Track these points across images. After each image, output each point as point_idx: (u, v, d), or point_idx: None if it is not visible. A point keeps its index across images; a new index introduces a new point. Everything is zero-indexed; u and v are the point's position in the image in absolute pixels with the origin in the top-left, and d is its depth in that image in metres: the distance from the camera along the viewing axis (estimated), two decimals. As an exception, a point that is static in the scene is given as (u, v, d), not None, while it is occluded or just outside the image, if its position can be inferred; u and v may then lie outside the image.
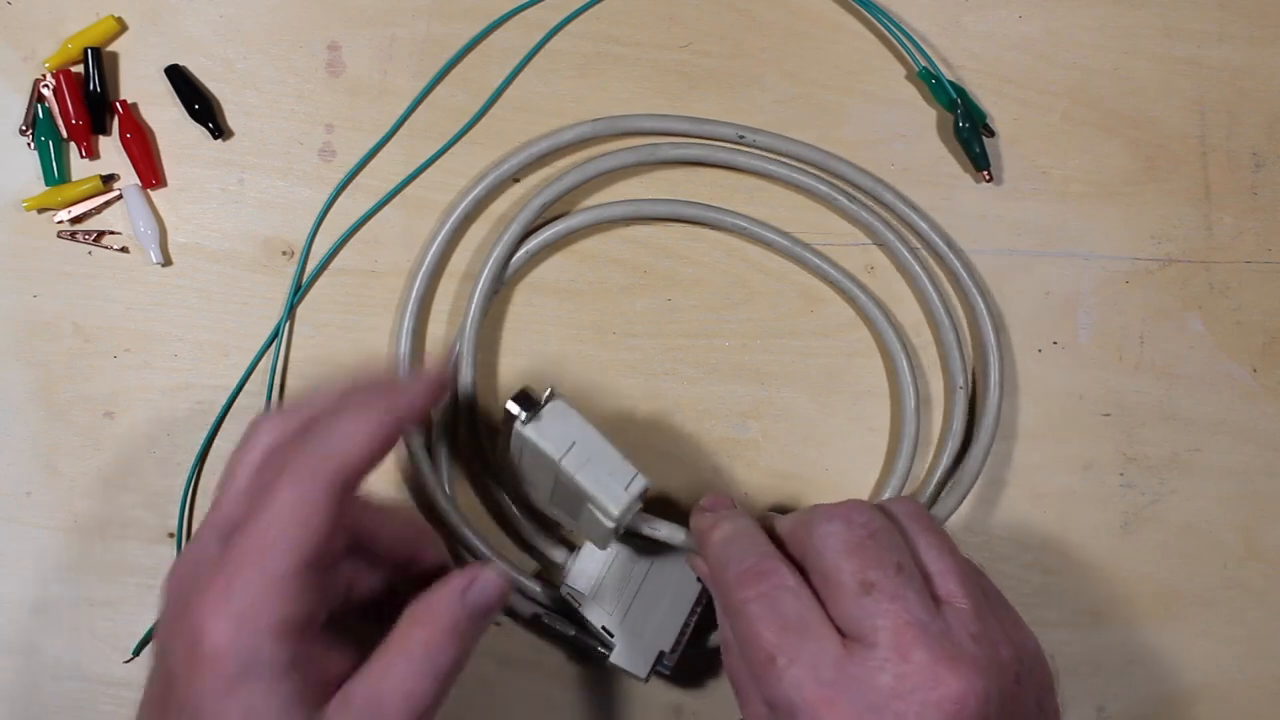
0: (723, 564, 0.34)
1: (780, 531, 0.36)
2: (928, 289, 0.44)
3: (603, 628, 0.40)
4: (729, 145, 0.44)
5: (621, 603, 0.40)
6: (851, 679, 0.30)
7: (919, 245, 0.45)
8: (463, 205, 0.43)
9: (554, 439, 0.35)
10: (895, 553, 0.33)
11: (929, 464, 0.45)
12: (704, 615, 0.41)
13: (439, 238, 0.43)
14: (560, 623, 0.42)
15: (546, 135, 0.44)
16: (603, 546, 0.40)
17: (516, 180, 0.44)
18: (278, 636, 0.29)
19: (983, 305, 0.44)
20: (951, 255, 0.45)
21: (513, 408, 0.36)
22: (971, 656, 0.31)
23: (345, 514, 0.31)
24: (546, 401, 0.36)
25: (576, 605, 0.40)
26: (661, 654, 0.40)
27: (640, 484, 0.36)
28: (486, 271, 0.43)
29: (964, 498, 0.44)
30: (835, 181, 0.45)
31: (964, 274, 0.44)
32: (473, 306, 0.43)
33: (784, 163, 0.44)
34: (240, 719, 0.29)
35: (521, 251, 0.43)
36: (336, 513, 0.30)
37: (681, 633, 0.40)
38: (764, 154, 0.44)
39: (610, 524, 0.36)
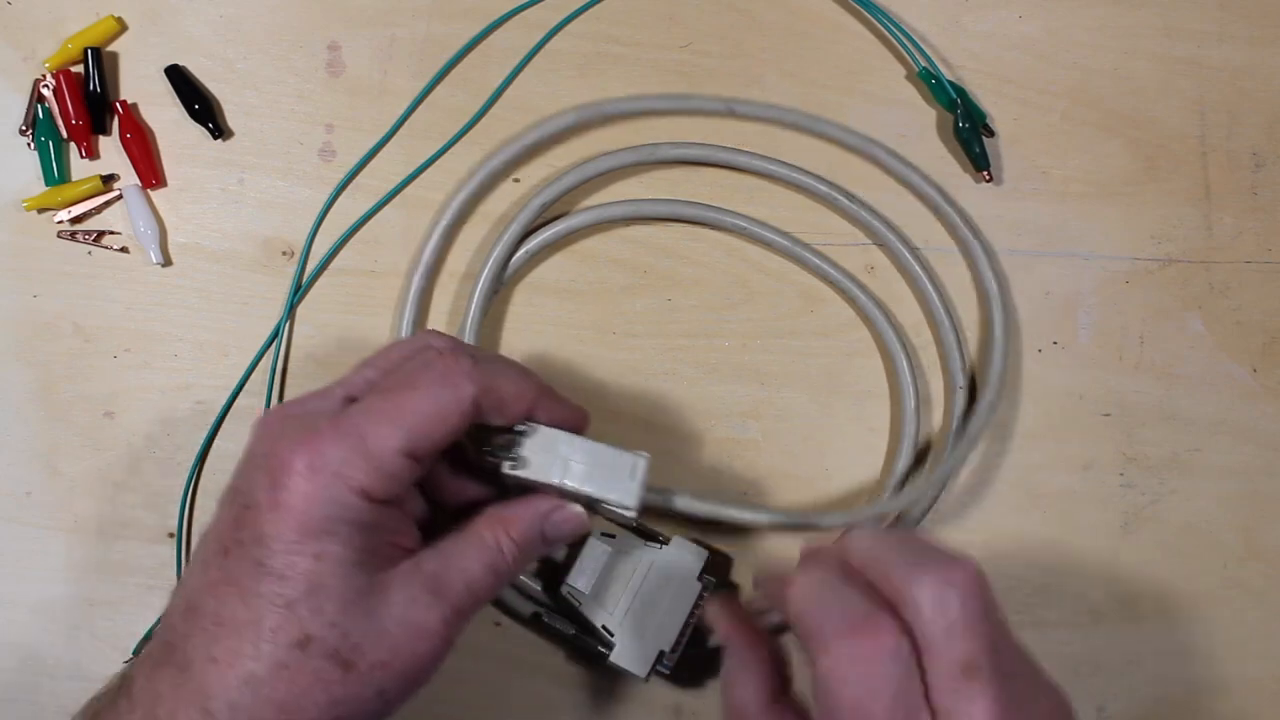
0: (819, 614, 0.31)
1: (859, 554, 0.32)
2: (927, 289, 0.44)
3: (603, 627, 0.40)
4: (729, 147, 0.44)
5: (622, 602, 0.40)
6: None
7: (919, 245, 0.45)
8: (456, 202, 0.43)
9: (544, 468, 0.35)
10: (997, 632, 0.31)
11: (929, 464, 0.45)
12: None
13: (434, 236, 0.43)
14: (560, 622, 0.42)
15: (535, 125, 0.44)
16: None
17: (516, 180, 0.44)
18: (364, 500, 0.31)
19: (999, 301, 0.44)
20: (977, 245, 0.44)
21: (501, 463, 0.35)
22: None
23: (463, 431, 0.33)
24: (518, 435, 0.35)
25: (577, 605, 0.40)
26: (661, 653, 0.40)
27: (643, 465, 0.35)
28: (486, 271, 0.43)
29: (940, 489, 0.44)
30: (835, 182, 0.45)
31: (986, 269, 0.44)
32: (473, 306, 0.43)
33: (784, 164, 0.44)
34: (310, 562, 0.31)
35: (521, 251, 0.43)
36: (462, 427, 0.33)
37: (682, 633, 0.40)
38: (764, 157, 0.44)
39: (632, 515, 0.36)
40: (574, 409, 0.37)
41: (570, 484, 0.35)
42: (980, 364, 0.45)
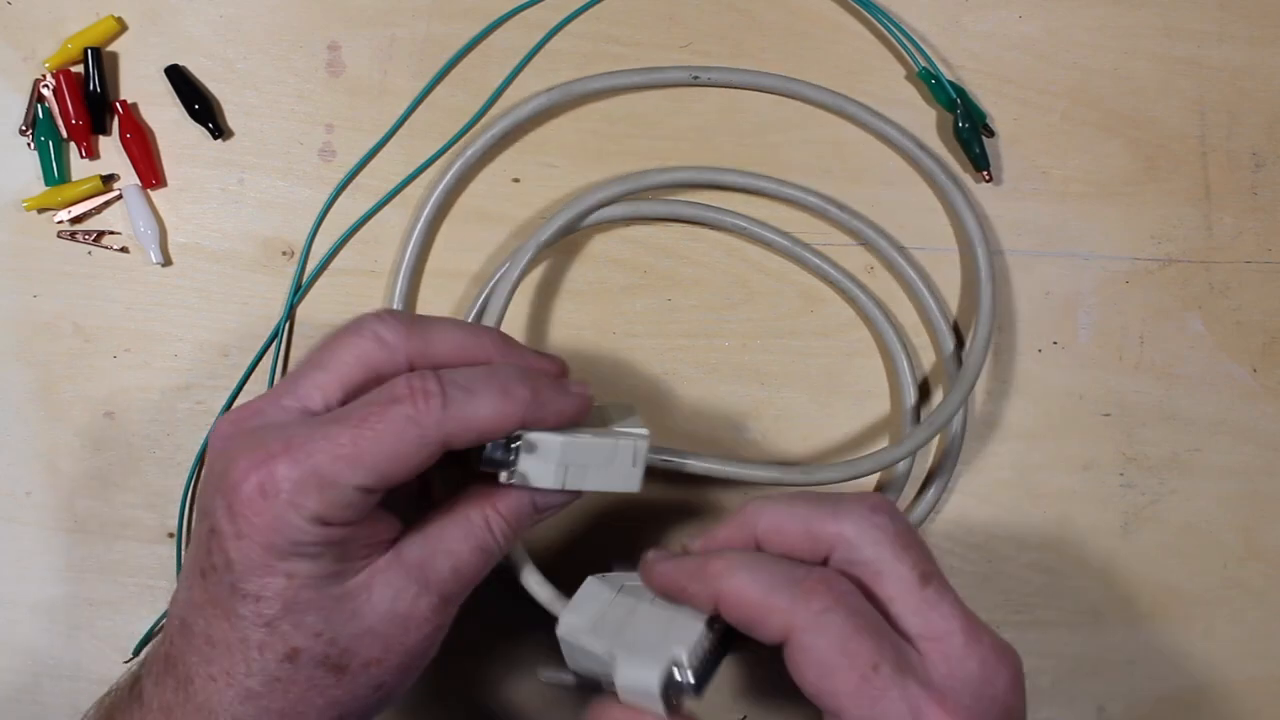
0: (766, 588, 0.31)
1: (769, 521, 0.33)
2: (923, 293, 0.44)
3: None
4: (717, 167, 0.44)
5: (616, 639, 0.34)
6: (947, 676, 0.30)
7: (913, 246, 0.45)
8: (434, 198, 0.43)
9: (544, 476, 0.33)
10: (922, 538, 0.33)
11: (930, 463, 0.45)
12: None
13: (415, 234, 0.43)
14: (558, 677, 0.36)
15: (506, 113, 0.43)
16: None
17: (516, 181, 0.44)
18: (321, 524, 0.30)
19: (989, 302, 0.44)
20: (979, 237, 0.44)
21: (497, 473, 0.33)
22: (1003, 639, 0.31)
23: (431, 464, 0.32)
24: (514, 448, 0.33)
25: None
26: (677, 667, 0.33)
27: (643, 447, 0.34)
28: (497, 284, 0.43)
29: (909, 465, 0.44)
30: (826, 193, 0.44)
31: (983, 265, 0.44)
32: (473, 314, 0.43)
33: (774, 180, 0.44)
34: (281, 583, 0.30)
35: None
36: (429, 465, 0.31)
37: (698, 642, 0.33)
38: (753, 174, 0.44)
39: (638, 488, 0.35)
40: (571, 402, 0.34)
41: (572, 486, 0.34)
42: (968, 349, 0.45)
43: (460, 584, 0.33)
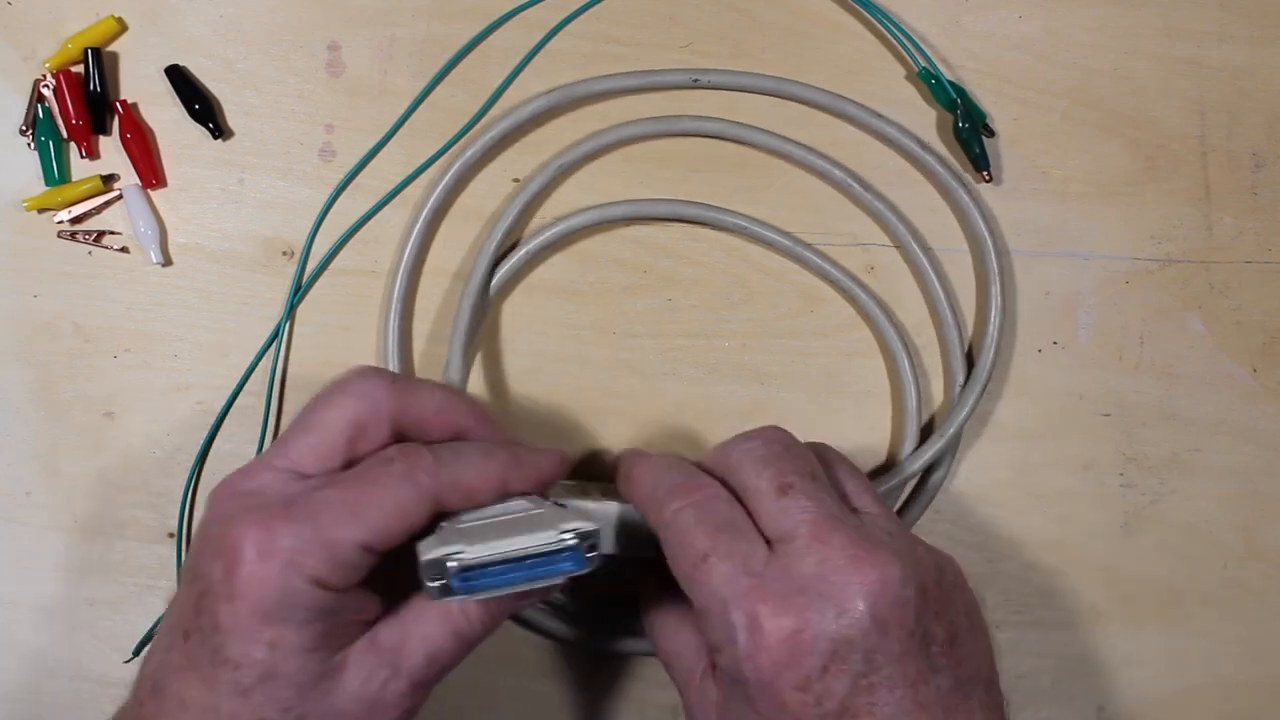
0: (652, 486, 0.35)
1: (704, 464, 0.36)
2: (934, 285, 0.44)
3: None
4: (746, 124, 0.44)
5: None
6: (778, 569, 0.32)
7: (931, 244, 0.45)
8: (434, 198, 0.43)
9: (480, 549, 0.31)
10: (809, 464, 0.34)
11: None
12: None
13: (414, 234, 0.43)
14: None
15: (506, 114, 0.44)
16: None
17: (516, 180, 0.44)
18: (318, 588, 0.30)
19: (999, 301, 0.44)
20: (985, 234, 0.44)
21: (437, 585, 0.31)
22: (889, 546, 0.32)
23: (424, 523, 0.32)
24: (448, 567, 0.31)
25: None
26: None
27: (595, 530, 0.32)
28: (475, 273, 0.43)
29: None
30: (847, 174, 0.44)
31: (993, 261, 0.44)
32: (461, 309, 0.42)
33: (800, 145, 0.44)
34: (264, 652, 0.30)
35: (522, 252, 0.43)
36: (423, 522, 0.32)
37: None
38: (780, 136, 0.44)
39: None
40: (545, 464, 0.35)
41: (513, 551, 0.31)
42: (976, 348, 0.45)
43: (434, 670, 0.33)
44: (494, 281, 0.43)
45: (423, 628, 0.33)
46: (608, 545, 0.37)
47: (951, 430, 0.43)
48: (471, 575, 0.31)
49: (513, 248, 0.44)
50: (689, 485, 0.34)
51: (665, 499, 0.34)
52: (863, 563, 0.31)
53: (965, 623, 0.33)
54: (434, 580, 0.31)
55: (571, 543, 0.32)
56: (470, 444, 0.34)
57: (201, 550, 0.32)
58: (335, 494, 0.31)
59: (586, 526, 0.32)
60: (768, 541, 0.33)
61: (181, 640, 0.32)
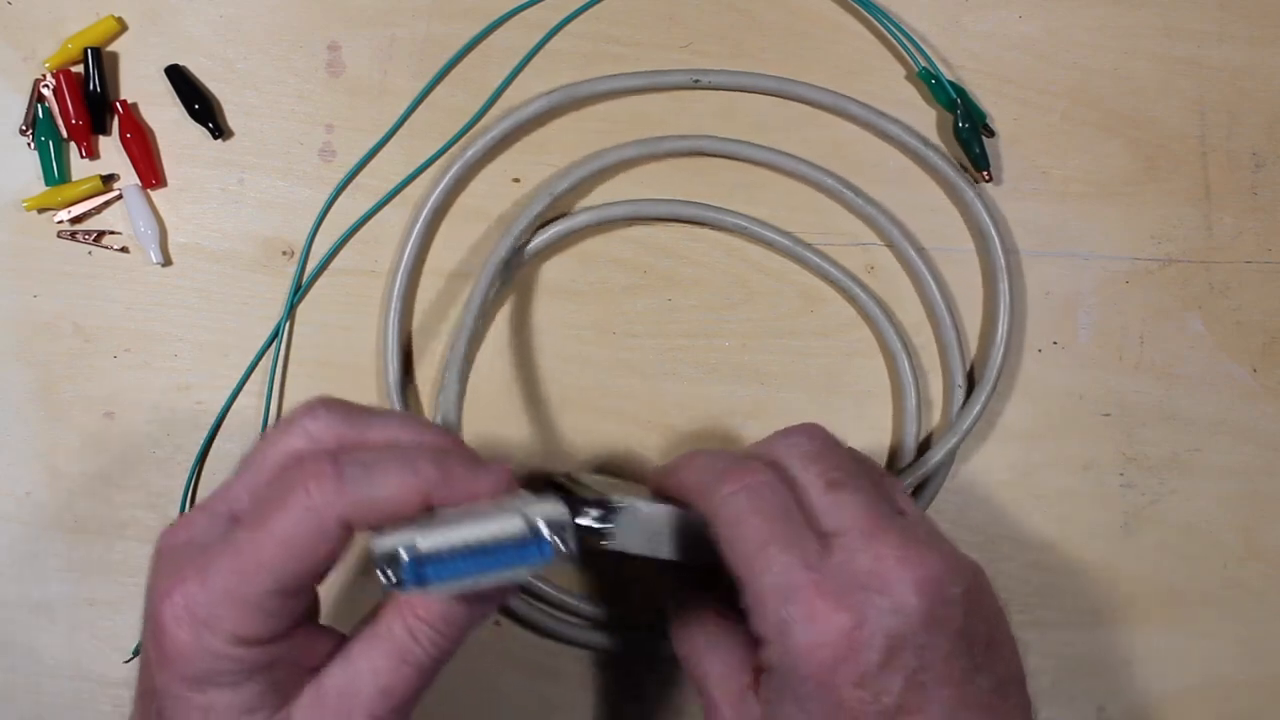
0: (700, 472, 0.35)
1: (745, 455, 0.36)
2: (930, 286, 0.44)
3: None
4: (733, 139, 0.44)
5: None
6: (834, 565, 0.31)
7: (925, 244, 0.45)
8: (434, 198, 0.43)
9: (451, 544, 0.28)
10: (853, 463, 0.35)
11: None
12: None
13: (414, 234, 0.43)
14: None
15: (506, 114, 0.44)
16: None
17: (516, 180, 0.44)
18: (241, 645, 0.28)
19: (1007, 295, 0.44)
20: (993, 231, 0.44)
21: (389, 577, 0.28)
22: (936, 547, 0.32)
23: (342, 550, 0.29)
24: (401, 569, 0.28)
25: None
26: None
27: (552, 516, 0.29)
28: (485, 275, 0.43)
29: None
30: (841, 177, 0.45)
31: (1000, 257, 0.44)
32: (469, 310, 0.43)
33: (790, 155, 0.44)
34: (198, 717, 0.29)
35: (524, 253, 0.43)
36: (338, 550, 0.29)
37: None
38: (768, 148, 0.44)
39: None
40: (481, 484, 0.30)
41: (477, 544, 0.29)
42: (980, 360, 0.45)
43: (393, 703, 0.30)
44: (497, 284, 0.43)
45: (370, 663, 0.30)
46: (665, 550, 0.35)
47: (966, 425, 0.43)
48: (425, 566, 0.28)
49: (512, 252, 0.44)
50: (740, 470, 0.33)
51: (715, 483, 0.33)
52: (914, 562, 0.31)
53: (999, 624, 0.33)
54: (386, 572, 0.28)
55: (540, 530, 0.28)
56: (389, 453, 0.30)
57: (144, 613, 0.31)
58: (241, 536, 0.29)
59: (556, 513, 0.29)
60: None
61: (139, 700, 0.31)
